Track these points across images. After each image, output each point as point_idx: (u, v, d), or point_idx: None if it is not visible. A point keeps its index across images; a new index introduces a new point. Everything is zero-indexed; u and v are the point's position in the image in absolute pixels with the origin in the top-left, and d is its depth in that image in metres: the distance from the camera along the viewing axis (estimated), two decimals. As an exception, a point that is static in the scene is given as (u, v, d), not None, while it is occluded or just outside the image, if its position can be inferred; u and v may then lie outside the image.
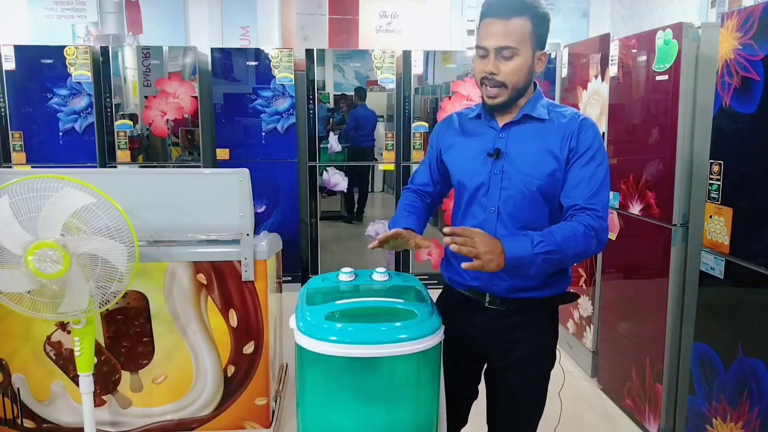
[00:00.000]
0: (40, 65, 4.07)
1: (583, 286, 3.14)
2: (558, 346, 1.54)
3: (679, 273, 2.35)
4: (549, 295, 1.48)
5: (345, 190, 4.54)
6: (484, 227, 1.42)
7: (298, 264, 4.56)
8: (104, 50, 4.13)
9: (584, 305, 3.13)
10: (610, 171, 1.45)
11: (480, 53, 1.40)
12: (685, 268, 2.35)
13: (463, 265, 1.26)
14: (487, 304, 1.49)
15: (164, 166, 4.24)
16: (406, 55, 4.40)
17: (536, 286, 1.46)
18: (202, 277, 2.22)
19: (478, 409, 1.66)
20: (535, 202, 1.42)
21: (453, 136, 1.56)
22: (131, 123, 4.22)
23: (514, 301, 1.47)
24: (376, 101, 4.46)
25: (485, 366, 1.61)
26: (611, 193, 2.74)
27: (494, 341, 1.51)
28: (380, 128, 4.48)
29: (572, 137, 1.40)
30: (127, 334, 2.23)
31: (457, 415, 1.64)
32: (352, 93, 4.43)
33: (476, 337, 1.52)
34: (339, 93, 4.43)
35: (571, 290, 1.56)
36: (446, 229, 1.27)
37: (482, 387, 1.65)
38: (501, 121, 1.47)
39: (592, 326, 3.04)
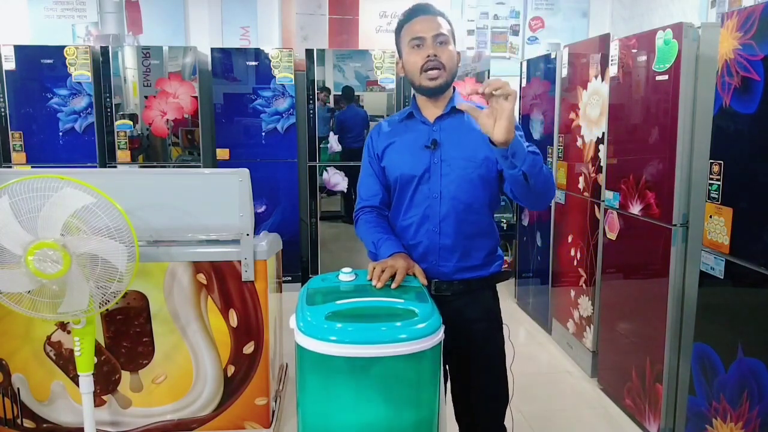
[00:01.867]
0: (40, 65, 4.07)
1: (583, 286, 3.14)
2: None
3: (679, 273, 2.35)
4: (489, 274, 1.63)
5: (345, 190, 4.54)
6: (429, 213, 1.58)
7: (298, 264, 4.56)
8: (104, 50, 4.13)
9: (584, 305, 3.13)
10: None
11: (415, 44, 1.55)
12: (685, 268, 2.35)
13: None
14: (433, 292, 1.56)
15: (164, 166, 4.24)
16: (406, 55, 4.39)
17: (478, 265, 1.61)
18: (202, 277, 2.22)
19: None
20: (475, 184, 1.56)
21: (387, 138, 1.66)
22: (131, 123, 4.22)
23: (459, 282, 1.60)
24: (376, 101, 4.46)
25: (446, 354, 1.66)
26: (611, 192, 2.76)
27: (448, 328, 1.55)
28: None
29: None
30: (127, 334, 2.23)
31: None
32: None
33: None
34: (339, 93, 4.43)
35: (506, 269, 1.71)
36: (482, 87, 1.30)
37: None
38: (431, 117, 1.60)
39: (592, 326, 3.04)
